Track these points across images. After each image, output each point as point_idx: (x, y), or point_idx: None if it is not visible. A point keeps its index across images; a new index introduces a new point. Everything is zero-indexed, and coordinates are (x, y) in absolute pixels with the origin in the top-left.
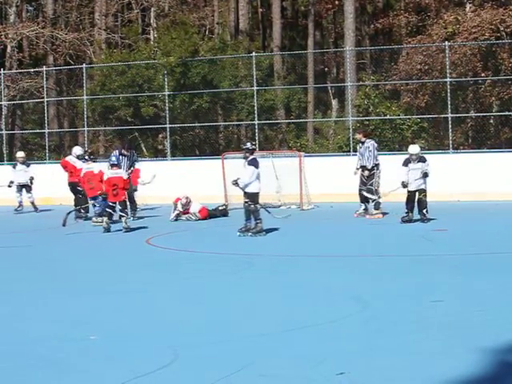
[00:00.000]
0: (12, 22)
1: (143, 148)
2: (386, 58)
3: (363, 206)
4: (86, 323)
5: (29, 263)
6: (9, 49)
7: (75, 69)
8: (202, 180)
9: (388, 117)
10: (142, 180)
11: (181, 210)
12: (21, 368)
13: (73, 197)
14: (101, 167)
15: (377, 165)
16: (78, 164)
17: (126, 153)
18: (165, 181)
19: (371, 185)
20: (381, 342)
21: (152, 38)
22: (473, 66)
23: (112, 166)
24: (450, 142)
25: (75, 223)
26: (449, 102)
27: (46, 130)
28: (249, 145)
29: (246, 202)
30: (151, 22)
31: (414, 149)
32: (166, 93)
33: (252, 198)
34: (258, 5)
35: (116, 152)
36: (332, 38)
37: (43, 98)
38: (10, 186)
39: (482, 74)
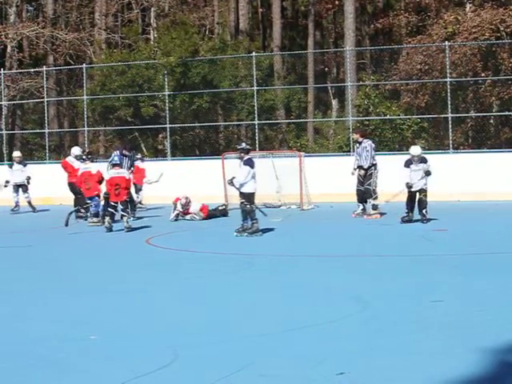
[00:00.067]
0: (12, 22)
1: (143, 148)
2: (386, 58)
3: (361, 207)
4: (86, 323)
5: (29, 263)
6: (9, 49)
7: (75, 69)
8: (201, 180)
9: (388, 117)
10: (148, 179)
11: (181, 210)
12: (21, 368)
13: (73, 197)
14: (99, 167)
15: (374, 165)
16: (76, 164)
17: (127, 153)
18: (165, 181)
19: (369, 185)
20: (381, 341)
21: (152, 37)
22: (473, 66)
23: (114, 165)
24: (450, 141)
25: (76, 223)
26: (449, 102)
27: (46, 130)
28: (244, 145)
29: (242, 203)
30: (151, 22)
31: (415, 150)
32: (166, 93)
33: (248, 198)
34: (258, 5)
35: (117, 152)
36: (332, 37)
37: (43, 98)
38: (5, 186)
39: (482, 74)
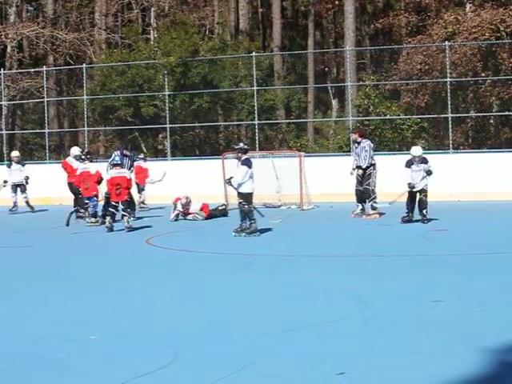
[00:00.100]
0: (12, 22)
1: (143, 148)
2: (386, 58)
3: (360, 207)
4: (86, 323)
5: (29, 263)
6: (9, 49)
7: (75, 69)
8: (202, 180)
9: (388, 117)
10: (150, 179)
11: (181, 210)
12: (21, 368)
13: (73, 197)
14: (99, 167)
15: (373, 164)
16: (75, 164)
17: (128, 153)
18: (165, 181)
19: (368, 185)
20: (381, 341)
21: (152, 37)
22: (473, 66)
23: (115, 165)
24: (450, 141)
25: (76, 223)
26: (449, 102)
27: (46, 130)
28: (241, 145)
29: (240, 203)
30: (151, 21)
31: (417, 150)
32: (166, 93)
33: (246, 198)
34: (258, 5)
35: (118, 152)
36: (332, 37)
37: (43, 98)
38: (4, 186)
39: (482, 74)
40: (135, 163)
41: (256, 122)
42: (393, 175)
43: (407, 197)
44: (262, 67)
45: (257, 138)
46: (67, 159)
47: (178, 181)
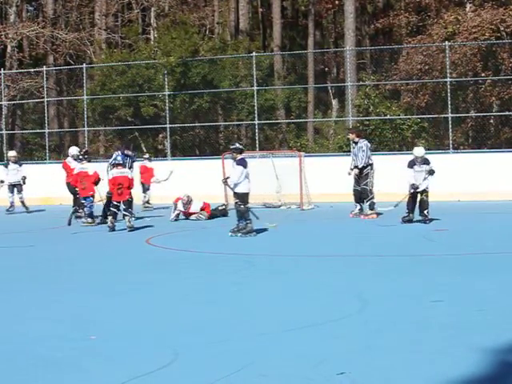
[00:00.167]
0: (12, 22)
1: (143, 148)
2: (386, 58)
3: (358, 206)
4: (86, 323)
5: (29, 263)
6: (9, 49)
7: (75, 69)
8: (202, 180)
9: (388, 117)
10: (156, 178)
11: (182, 209)
12: (21, 368)
13: (72, 197)
14: (98, 167)
15: (370, 164)
16: (73, 164)
17: (130, 153)
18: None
19: (365, 185)
20: (381, 341)
21: (152, 37)
22: (473, 66)
23: (117, 165)
24: (450, 141)
25: (76, 223)
26: (449, 102)
27: (46, 130)
28: (237, 145)
29: (236, 203)
30: (151, 21)
31: (419, 151)
32: (166, 93)
33: (242, 198)
34: (258, 5)
35: (119, 152)
36: (332, 37)
37: (43, 97)
38: (1, 186)
39: (482, 74)
40: (140, 163)
41: (256, 121)
42: (393, 175)
43: (408, 197)
44: (262, 67)
45: (257, 137)
46: (67, 159)
47: (178, 181)
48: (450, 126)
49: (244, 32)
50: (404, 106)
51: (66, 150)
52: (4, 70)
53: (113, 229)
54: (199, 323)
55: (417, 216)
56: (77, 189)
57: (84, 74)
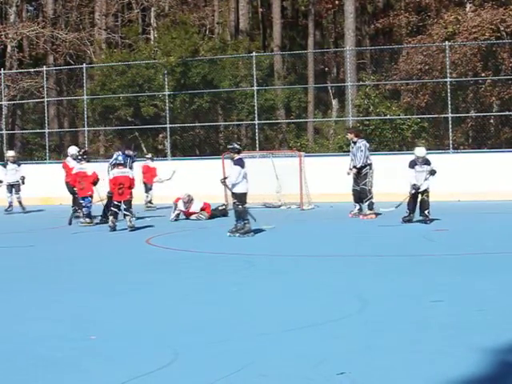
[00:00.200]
0: (12, 22)
1: (143, 148)
2: (386, 58)
3: (357, 206)
4: (86, 323)
5: (29, 263)
6: (9, 49)
7: (75, 69)
8: (202, 180)
9: (388, 117)
10: (159, 178)
11: (183, 208)
12: (21, 368)
13: (71, 197)
14: (98, 168)
15: (369, 164)
16: (72, 164)
17: (130, 153)
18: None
19: (364, 185)
20: (381, 341)
21: (152, 37)
22: (473, 66)
23: (118, 165)
24: (450, 141)
25: (76, 223)
26: (449, 102)
27: (46, 130)
28: (235, 145)
29: (234, 203)
30: (151, 21)
31: (420, 151)
32: (166, 93)
33: (239, 198)
34: (258, 5)
35: (120, 152)
36: (332, 37)
37: (43, 97)
38: None
39: (482, 74)
40: (143, 163)
41: (256, 121)
42: (393, 175)
43: (409, 197)
44: (262, 67)
45: (257, 137)
46: (66, 160)
47: (178, 181)
48: (450, 126)
49: (244, 32)
50: (404, 106)
51: (65, 150)
52: (4, 69)
53: (114, 228)
54: (199, 323)
55: (417, 216)
56: (75, 189)
57: (84, 74)
